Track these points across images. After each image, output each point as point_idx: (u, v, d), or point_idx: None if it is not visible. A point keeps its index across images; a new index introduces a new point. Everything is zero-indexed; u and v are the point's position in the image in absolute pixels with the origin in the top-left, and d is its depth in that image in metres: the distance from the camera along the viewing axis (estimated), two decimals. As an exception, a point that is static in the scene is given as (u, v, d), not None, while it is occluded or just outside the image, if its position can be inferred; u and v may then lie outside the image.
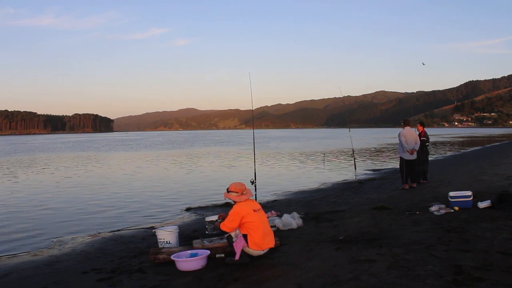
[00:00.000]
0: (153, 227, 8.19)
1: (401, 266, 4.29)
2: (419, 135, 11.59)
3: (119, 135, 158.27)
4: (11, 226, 9.37)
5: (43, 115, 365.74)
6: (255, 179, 9.87)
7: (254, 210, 5.32)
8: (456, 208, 7.19)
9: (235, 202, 5.43)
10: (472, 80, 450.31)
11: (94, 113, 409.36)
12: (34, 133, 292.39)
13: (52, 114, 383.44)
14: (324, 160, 25.33)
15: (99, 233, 8.43)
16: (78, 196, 13.50)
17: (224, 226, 5.29)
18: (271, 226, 6.42)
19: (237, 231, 5.28)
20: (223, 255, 5.46)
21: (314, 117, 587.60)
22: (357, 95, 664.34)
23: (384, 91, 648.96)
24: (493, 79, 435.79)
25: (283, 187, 14.26)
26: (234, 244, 5.20)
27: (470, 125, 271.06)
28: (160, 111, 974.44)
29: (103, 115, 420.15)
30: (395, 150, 32.79)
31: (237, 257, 5.15)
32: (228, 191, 5.48)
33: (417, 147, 10.98)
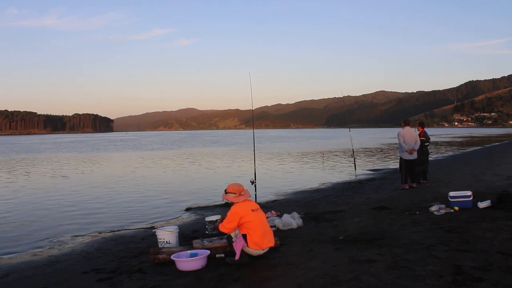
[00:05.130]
0: (153, 227, 8.19)
1: (401, 266, 4.29)
2: (419, 135, 11.59)
3: (117, 135, 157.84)
4: (11, 226, 9.37)
5: (43, 115, 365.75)
6: (255, 179, 9.86)
7: (253, 210, 5.32)
8: (456, 208, 7.19)
9: (233, 203, 5.44)
10: (472, 80, 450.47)
11: (94, 113, 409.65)
12: (34, 133, 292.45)
13: (52, 114, 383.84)
14: (323, 160, 25.33)
15: (99, 233, 8.43)
16: (77, 196, 13.49)
17: (223, 227, 5.28)
18: (271, 226, 6.43)
19: (237, 231, 5.28)
20: (223, 255, 5.46)
21: (314, 117, 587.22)
22: (357, 95, 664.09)
23: (384, 91, 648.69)
24: (493, 79, 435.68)
25: (283, 187, 14.26)
26: (234, 244, 5.20)
27: (470, 125, 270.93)
28: (160, 111, 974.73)
29: (103, 115, 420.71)
30: (395, 150, 32.81)
31: (237, 257, 5.15)
32: (226, 192, 5.47)
33: (416, 147, 10.97)
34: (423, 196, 9.34)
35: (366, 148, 38.39)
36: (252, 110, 13.96)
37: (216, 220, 6.24)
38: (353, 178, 15.65)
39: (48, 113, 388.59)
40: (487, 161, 18.14)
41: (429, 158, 12.52)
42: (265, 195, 12.08)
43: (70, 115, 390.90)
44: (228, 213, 5.32)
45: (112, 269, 5.45)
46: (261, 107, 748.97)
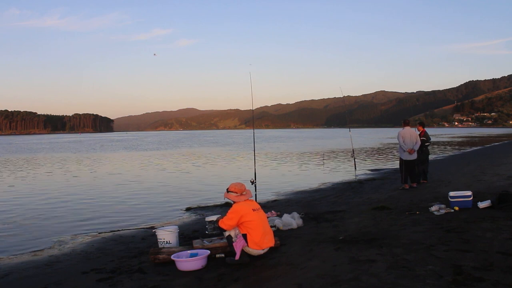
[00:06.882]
0: (153, 227, 8.19)
1: (401, 266, 4.29)
2: (419, 135, 11.59)
3: (116, 135, 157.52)
4: (11, 226, 9.37)
5: (43, 115, 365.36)
6: (255, 179, 9.86)
7: (253, 210, 5.34)
8: (456, 208, 7.19)
9: (234, 202, 5.45)
10: (472, 80, 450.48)
11: (94, 113, 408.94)
12: (34, 133, 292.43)
13: (52, 114, 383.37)
14: (323, 160, 25.34)
15: (99, 233, 8.43)
16: (77, 196, 13.49)
17: (222, 223, 5.31)
18: (271, 226, 6.43)
19: (237, 231, 5.28)
20: (223, 255, 5.47)
21: (314, 117, 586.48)
22: (357, 95, 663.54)
23: (384, 91, 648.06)
24: (493, 79, 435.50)
25: (283, 187, 14.26)
26: (234, 244, 5.20)
27: (470, 125, 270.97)
28: (160, 111, 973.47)
29: (103, 115, 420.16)
30: (395, 150, 32.82)
31: (237, 257, 5.15)
32: (228, 191, 5.51)
33: (416, 147, 10.96)
34: (423, 196, 9.34)
35: (366, 148, 38.39)
36: (253, 110, 13.96)
37: (217, 220, 6.26)
38: (353, 178, 15.65)
39: (48, 113, 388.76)
40: (487, 161, 18.14)
41: (429, 158, 12.51)
42: (265, 195, 12.08)
43: (70, 115, 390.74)
44: (229, 211, 5.36)
45: (112, 269, 5.45)
46: (261, 107, 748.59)
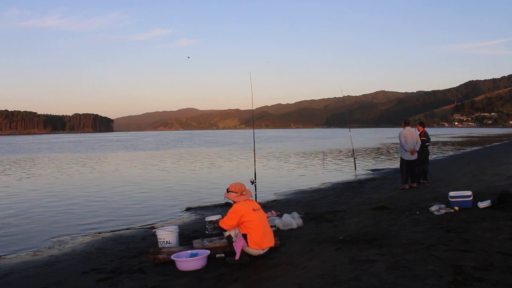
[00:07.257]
0: (153, 227, 8.19)
1: (401, 266, 4.29)
2: (420, 135, 11.60)
3: (116, 135, 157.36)
4: (11, 226, 9.37)
5: (43, 115, 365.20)
6: (255, 179, 9.86)
7: (254, 210, 5.35)
8: (456, 208, 7.20)
9: (234, 202, 5.46)
10: (472, 80, 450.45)
11: (94, 113, 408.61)
12: (34, 133, 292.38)
13: (52, 114, 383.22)
14: (324, 160, 25.34)
15: (99, 233, 8.43)
16: (77, 197, 13.49)
17: (223, 223, 5.32)
18: (271, 226, 6.44)
19: (237, 230, 5.29)
20: (223, 255, 5.47)
21: (314, 117, 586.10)
22: (357, 95, 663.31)
23: (384, 91, 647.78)
24: (493, 79, 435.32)
25: (283, 187, 14.26)
26: (234, 244, 5.21)
27: (470, 125, 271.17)
28: (160, 111, 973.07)
29: (103, 115, 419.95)
30: (395, 150, 32.82)
31: (237, 257, 5.16)
32: (228, 191, 5.52)
33: (417, 147, 10.97)
34: (423, 196, 9.34)
35: (366, 148, 38.39)
36: (253, 110, 13.96)
37: (217, 220, 6.27)
38: (353, 178, 15.65)
39: (48, 113, 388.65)
40: (487, 161, 18.15)
41: (429, 158, 12.51)
42: (265, 195, 12.08)
43: (70, 115, 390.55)
44: (229, 211, 5.36)
45: (112, 269, 5.45)
46: (261, 107, 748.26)
